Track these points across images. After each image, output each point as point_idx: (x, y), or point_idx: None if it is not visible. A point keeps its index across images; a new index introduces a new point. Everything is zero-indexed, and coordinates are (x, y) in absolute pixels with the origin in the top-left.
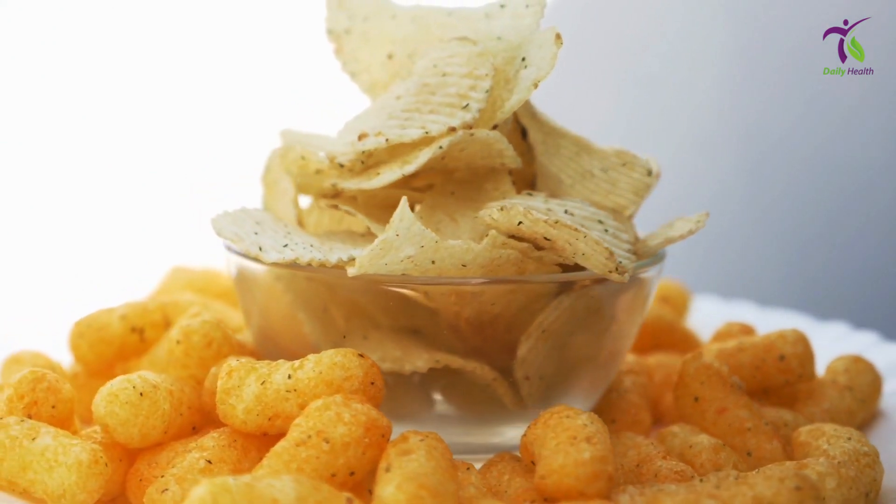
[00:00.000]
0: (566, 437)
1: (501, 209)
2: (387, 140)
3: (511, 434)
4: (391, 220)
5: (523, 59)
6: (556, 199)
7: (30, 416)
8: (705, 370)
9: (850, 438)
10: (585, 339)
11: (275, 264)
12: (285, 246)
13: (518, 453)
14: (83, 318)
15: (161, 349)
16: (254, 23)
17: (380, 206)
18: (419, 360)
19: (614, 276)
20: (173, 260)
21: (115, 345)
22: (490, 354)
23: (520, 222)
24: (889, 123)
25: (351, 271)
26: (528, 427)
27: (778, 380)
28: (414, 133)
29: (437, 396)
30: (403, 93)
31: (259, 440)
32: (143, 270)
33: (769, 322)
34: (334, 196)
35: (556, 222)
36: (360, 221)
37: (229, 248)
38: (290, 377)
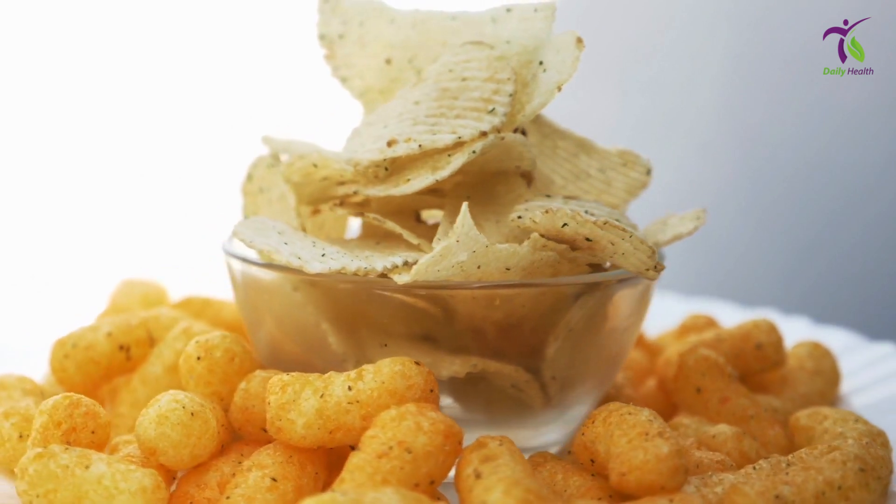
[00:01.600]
0: (637, 434)
1: (546, 212)
2: (420, 146)
3: (523, 434)
4: (454, 226)
5: (541, 63)
6: (573, 199)
7: (68, 444)
8: (705, 361)
9: (857, 420)
10: (598, 338)
11: (319, 275)
12: (323, 255)
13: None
14: (65, 337)
15: (152, 367)
16: (226, 35)
17: (394, 213)
18: (454, 366)
19: (650, 274)
20: (114, 273)
21: (102, 364)
22: (511, 356)
23: (564, 224)
24: (889, 123)
25: (401, 279)
26: (585, 426)
27: (755, 367)
28: (446, 138)
29: (449, 401)
30: (422, 98)
31: (312, 454)
32: (90, 284)
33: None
34: (340, 204)
35: (606, 223)
36: (337, 229)
37: (233, 256)
38: (350, 389)
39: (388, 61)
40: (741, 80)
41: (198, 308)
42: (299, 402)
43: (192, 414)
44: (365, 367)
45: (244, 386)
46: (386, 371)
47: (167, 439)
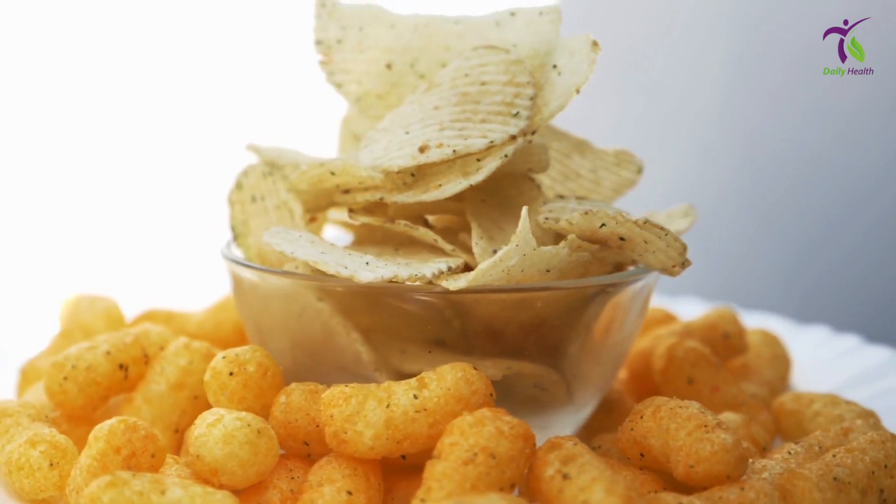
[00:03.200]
0: (695, 427)
1: (586, 213)
2: (454, 151)
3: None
4: (517, 231)
5: (555, 67)
6: (583, 200)
7: (129, 469)
8: (694, 352)
9: (847, 403)
10: (613, 336)
11: (370, 284)
12: (367, 264)
13: None
14: (60, 359)
15: (155, 385)
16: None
17: (406, 219)
18: (489, 370)
19: (675, 270)
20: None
21: (104, 385)
22: (533, 356)
23: (602, 224)
24: (890, 124)
25: (456, 284)
26: (632, 421)
27: (722, 356)
28: (479, 142)
29: None
30: (441, 103)
31: (372, 465)
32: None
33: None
34: (352, 211)
35: (646, 222)
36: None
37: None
38: (415, 397)
39: (388, 66)
40: (741, 81)
41: (162, 321)
42: (364, 413)
43: (258, 431)
44: (424, 374)
45: (284, 400)
46: (449, 378)
47: (235, 459)
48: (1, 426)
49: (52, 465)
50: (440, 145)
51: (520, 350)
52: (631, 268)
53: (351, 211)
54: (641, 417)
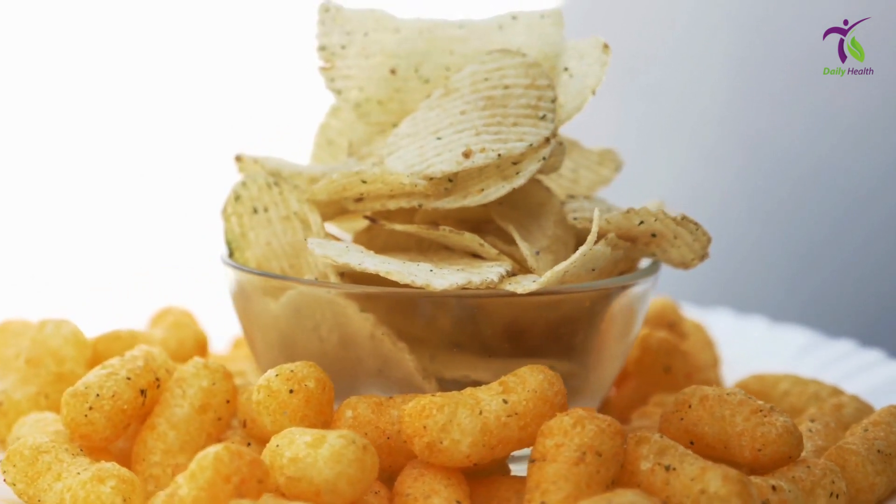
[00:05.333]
0: (751, 412)
1: (628, 212)
2: (499, 155)
3: None
4: (591, 234)
5: (566, 69)
6: (586, 199)
7: (240, 497)
8: (666, 342)
9: (813, 381)
10: (626, 334)
11: (444, 292)
12: (431, 272)
13: None
14: (79, 389)
15: (178, 408)
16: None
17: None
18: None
19: (693, 263)
20: None
21: (128, 413)
22: (551, 355)
23: (641, 222)
24: (890, 125)
25: (529, 287)
26: (681, 411)
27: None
28: (519, 146)
29: None
30: (467, 107)
31: (458, 473)
32: None
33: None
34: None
35: (684, 218)
36: None
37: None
38: (505, 402)
39: (392, 71)
40: (742, 82)
41: (128, 343)
42: (459, 421)
43: (364, 448)
44: (505, 379)
45: (351, 414)
46: (531, 380)
47: (345, 478)
48: (41, 464)
49: (124, 500)
50: (483, 150)
51: (540, 349)
52: (643, 261)
53: (370, 219)
54: (689, 407)
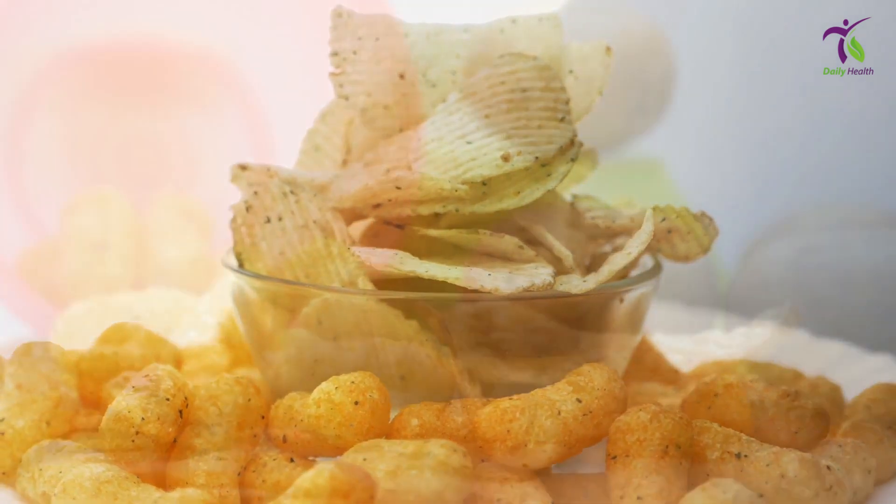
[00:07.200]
0: (778, 396)
1: (655, 209)
2: (536, 158)
3: None
4: (642, 232)
5: (571, 72)
6: (586, 198)
7: None
8: (643, 341)
9: (767, 364)
10: (635, 331)
11: (510, 296)
12: (489, 276)
13: None
14: (121, 412)
15: (218, 426)
16: None
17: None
18: (556, 373)
19: (698, 257)
20: None
21: (172, 435)
22: (561, 354)
23: (663, 219)
24: (891, 125)
25: (585, 286)
26: (707, 400)
27: None
28: (550, 148)
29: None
30: (490, 111)
31: (531, 474)
32: None
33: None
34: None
35: (703, 213)
36: None
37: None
38: (579, 401)
39: (401, 76)
40: (741, 82)
41: (112, 362)
42: (541, 423)
43: (465, 455)
44: (570, 378)
45: (416, 422)
46: (598, 377)
47: (453, 487)
48: (105, 496)
49: None
50: (519, 153)
51: (552, 347)
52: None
53: (397, 225)
54: (716, 395)
